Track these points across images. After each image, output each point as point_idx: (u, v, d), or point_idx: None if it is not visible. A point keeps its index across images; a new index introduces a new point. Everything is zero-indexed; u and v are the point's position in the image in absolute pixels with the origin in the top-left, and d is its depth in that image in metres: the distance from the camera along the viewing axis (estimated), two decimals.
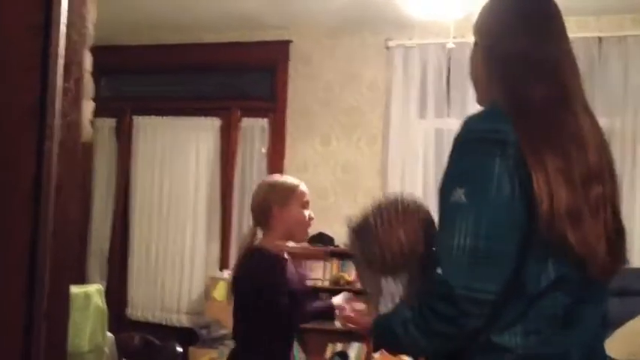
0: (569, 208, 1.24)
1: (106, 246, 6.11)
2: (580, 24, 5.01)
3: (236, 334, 2.50)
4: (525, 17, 1.41)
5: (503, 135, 1.26)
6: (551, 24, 1.42)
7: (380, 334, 1.44)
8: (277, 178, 2.61)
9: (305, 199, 2.52)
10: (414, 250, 1.44)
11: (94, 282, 5.44)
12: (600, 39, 5.05)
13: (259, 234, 2.53)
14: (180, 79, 6.15)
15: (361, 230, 1.48)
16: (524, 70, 1.36)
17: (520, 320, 1.26)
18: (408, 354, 1.43)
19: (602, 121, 1.44)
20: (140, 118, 6.10)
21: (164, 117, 6.04)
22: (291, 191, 2.50)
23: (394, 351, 1.48)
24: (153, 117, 6.06)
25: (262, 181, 2.61)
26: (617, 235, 1.34)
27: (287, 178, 2.59)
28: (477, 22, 1.48)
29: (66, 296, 0.99)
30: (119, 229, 6.09)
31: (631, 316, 4.24)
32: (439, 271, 1.26)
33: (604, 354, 1.37)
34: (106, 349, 1.36)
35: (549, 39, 1.40)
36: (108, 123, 6.14)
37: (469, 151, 1.29)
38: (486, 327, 1.26)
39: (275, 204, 2.46)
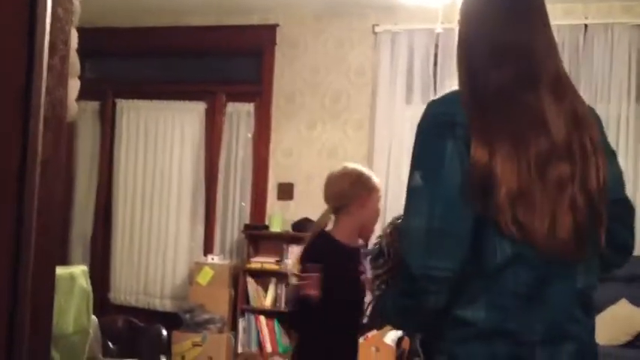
0: (510, 191, 1.26)
1: (89, 230, 6.06)
2: (567, 10, 5.02)
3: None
4: (498, 3, 1.42)
5: (453, 117, 1.31)
6: (526, 10, 1.42)
7: (378, 308, 1.51)
8: (361, 168, 2.60)
9: (380, 194, 2.54)
10: None
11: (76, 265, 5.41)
12: (586, 26, 5.06)
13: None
14: (165, 63, 6.09)
15: (375, 256, 1.54)
16: (487, 54, 1.38)
17: (482, 295, 1.29)
18: (396, 327, 1.51)
19: None
20: (124, 101, 6.04)
21: (148, 100, 5.98)
22: (374, 184, 2.52)
23: (391, 324, 1.55)
24: (136, 100, 6.00)
25: (345, 168, 2.59)
26: (592, 215, 1.33)
27: (368, 170, 2.59)
28: (459, 7, 1.49)
29: (51, 277, 0.97)
30: (102, 213, 6.05)
31: (612, 302, 4.30)
32: (402, 250, 1.33)
33: (579, 333, 1.35)
34: (91, 332, 1.35)
35: (521, 23, 1.40)
36: (91, 106, 6.07)
37: (425, 135, 1.35)
38: (453, 302, 1.30)
39: (360, 193, 2.47)
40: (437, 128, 1.32)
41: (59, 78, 1.03)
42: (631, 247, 1.51)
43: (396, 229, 1.48)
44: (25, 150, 0.91)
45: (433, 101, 1.40)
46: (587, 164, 1.34)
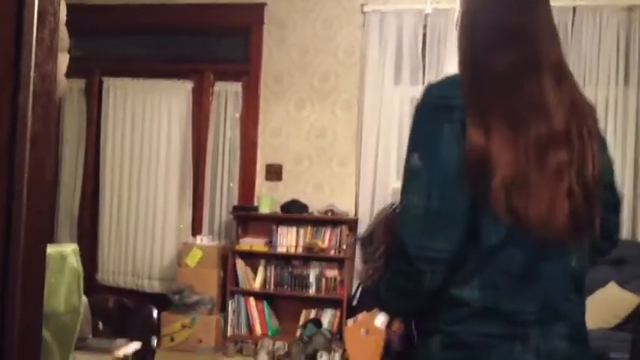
0: (506, 175, 1.26)
1: (76, 209, 6.03)
2: None
3: None
4: None
5: (450, 100, 1.31)
6: None
7: (373, 296, 1.51)
8: None
9: None
10: None
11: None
12: (575, 8, 5.06)
13: None
14: (153, 41, 6.03)
15: (366, 240, 1.55)
16: (490, 38, 1.37)
17: (477, 275, 1.30)
18: (388, 310, 1.48)
19: None
20: (110, 79, 5.98)
21: (135, 79, 5.92)
22: None
23: (386, 312, 1.53)
24: (123, 79, 5.95)
25: None
26: (586, 200, 1.33)
27: None
28: None
29: (42, 255, 0.96)
30: (89, 193, 6.01)
31: (601, 285, 4.33)
32: (400, 231, 1.33)
33: (572, 313, 1.36)
34: (82, 311, 1.34)
35: (524, 7, 1.39)
36: (77, 84, 6.01)
37: (422, 117, 1.36)
38: (448, 282, 1.31)
39: None
40: (434, 111, 1.33)
41: (48, 52, 1.00)
42: (617, 234, 1.51)
43: (391, 218, 1.49)
44: (14, 124, 0.89)
45: (431, 84, 1.39)
46: (584, 152, 1.35)
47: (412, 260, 1.30)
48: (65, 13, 1.09)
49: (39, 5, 0.96)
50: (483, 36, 1.38)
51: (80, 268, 1.30)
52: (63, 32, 1.12)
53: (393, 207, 1.54)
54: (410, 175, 1.34)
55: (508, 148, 1.27)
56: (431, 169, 1.29)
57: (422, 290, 1.33)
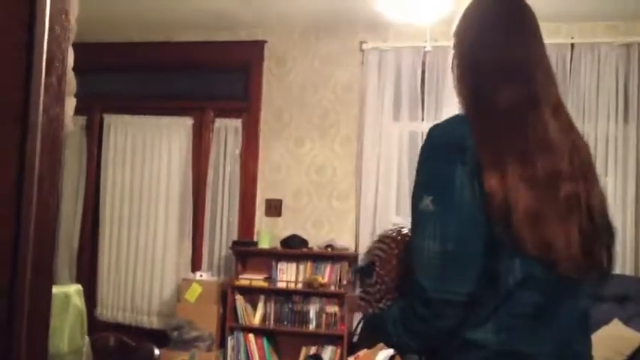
0: (528, 210, 1.27)
1: (75, 244, 6.01)
2: (553, 30, 5.07)
3: None
4: (498, 22, 1.44)
5: (462, 140, 1.30)
6: (525, 28, 1.45)
7: (375, 328, 1.48)
8: None
9: None
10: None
11: (63, 282, 5.36)
12: (573, 45, 5.12)
13: None
14: (153, 78, 6.08)
15: (362, 270, 1.52)
16: (493, 74, 1.39)
17: (491, 318, 1.29)
18: (399, 349, 1.46)
19: None
20: (111, 116, 6.03)
21: (135, 116, 5.97)
22: None
23: (389, 345, 1.51)
24: (124, 115, 5.99)
25: None
26: (594, 234, 1.35)
27: None
28: (455, 27, 1.50)
29: (47, 296, 0.97)
30: (89, 229, 6.01)
31: (605, 322, 4.27)
32: (416, 274, 1.31)
33: (584, 352, 1.37)
34: (84, 351, 1.34)
35: (522, 43, 1.42)
36: (78, 121, 6.03)
37: (432, 159, 1.34)
38: (461, 325, 1.30)
39: None
40: (445, 152, 1.31)
41: (56, 96, 1.03)
42: (608, 269, 1.51)
43: (391, 246, 1.47)
44: (22, 167, 0.91)
45: (437, 125, 1.38)
46: (588, 184, 1.37)
47: (432, 304, 1.28)
48: (72, 58, 1.12)
49: (47, 51, 0.99)
50: (488, 72, 1.39)
51: (84, 308, 1.31)
52: (70, 77, 1.15)
53: (401, 232, 1.50)
54: (421, 218, 1.32)
55: (524, 185, 1.28)
56: (446, 212, 1.28)
57: (437, 333, 1.32)
